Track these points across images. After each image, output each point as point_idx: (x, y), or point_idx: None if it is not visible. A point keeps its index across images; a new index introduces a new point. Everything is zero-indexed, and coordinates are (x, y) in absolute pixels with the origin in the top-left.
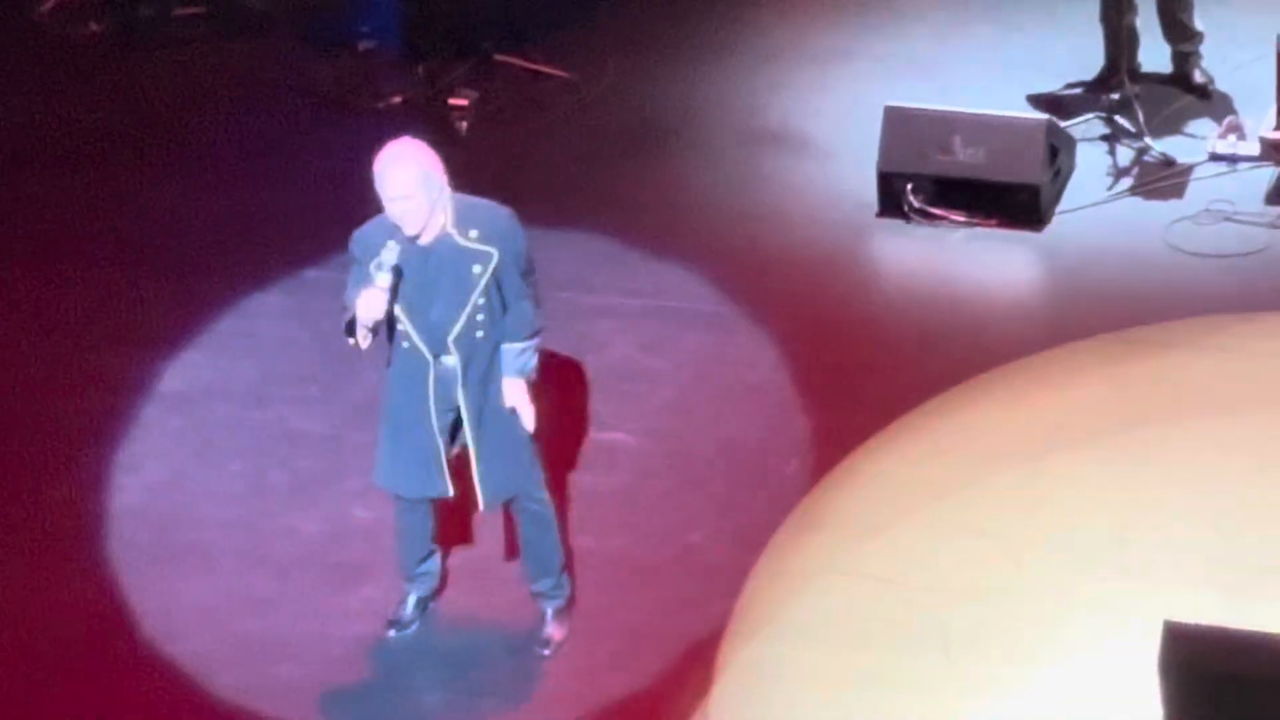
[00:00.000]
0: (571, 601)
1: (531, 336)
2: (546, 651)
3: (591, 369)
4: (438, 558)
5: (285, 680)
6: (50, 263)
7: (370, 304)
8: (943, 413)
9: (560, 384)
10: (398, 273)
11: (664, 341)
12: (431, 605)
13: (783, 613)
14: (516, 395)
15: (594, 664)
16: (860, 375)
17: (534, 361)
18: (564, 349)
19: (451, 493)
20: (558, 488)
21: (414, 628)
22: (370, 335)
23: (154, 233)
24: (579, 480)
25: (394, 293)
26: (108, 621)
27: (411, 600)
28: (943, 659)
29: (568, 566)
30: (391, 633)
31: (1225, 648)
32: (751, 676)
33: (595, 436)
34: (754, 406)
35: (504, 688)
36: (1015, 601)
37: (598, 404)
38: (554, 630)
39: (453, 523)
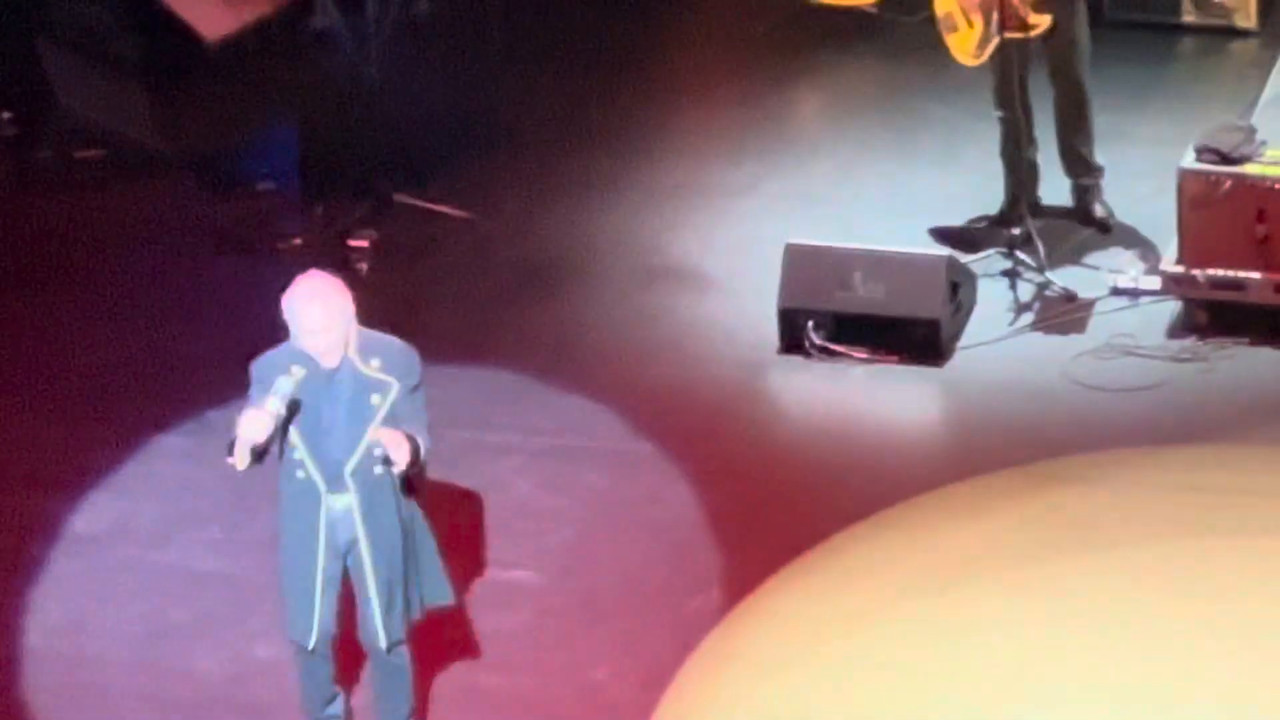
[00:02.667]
0: None
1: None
2: None
3: (493, 507)
4: (341, 700)
5: None
6: None
7: (253, 424)
8: (847, 548)
9: (461, 522)
10: (293, 406)
11: (565, 479)
12: None
13: None
14: (389, 437)
15: None
16: (764, 511)
17: (410, 447)
18: (465, 487)
19: (327, 641)
20: (459, 625)
21: None
22: (251, 457)
23: (52, 374)
24: (481, 618)
25: (285, 423)
26: None
27: None
28: None
29: (471, 709)
30: None
31: None
32: None
33: (497, 575)
34: (657, 543)
35: None
36: None
37: (499, 542)
38: None
39: (355, 662)
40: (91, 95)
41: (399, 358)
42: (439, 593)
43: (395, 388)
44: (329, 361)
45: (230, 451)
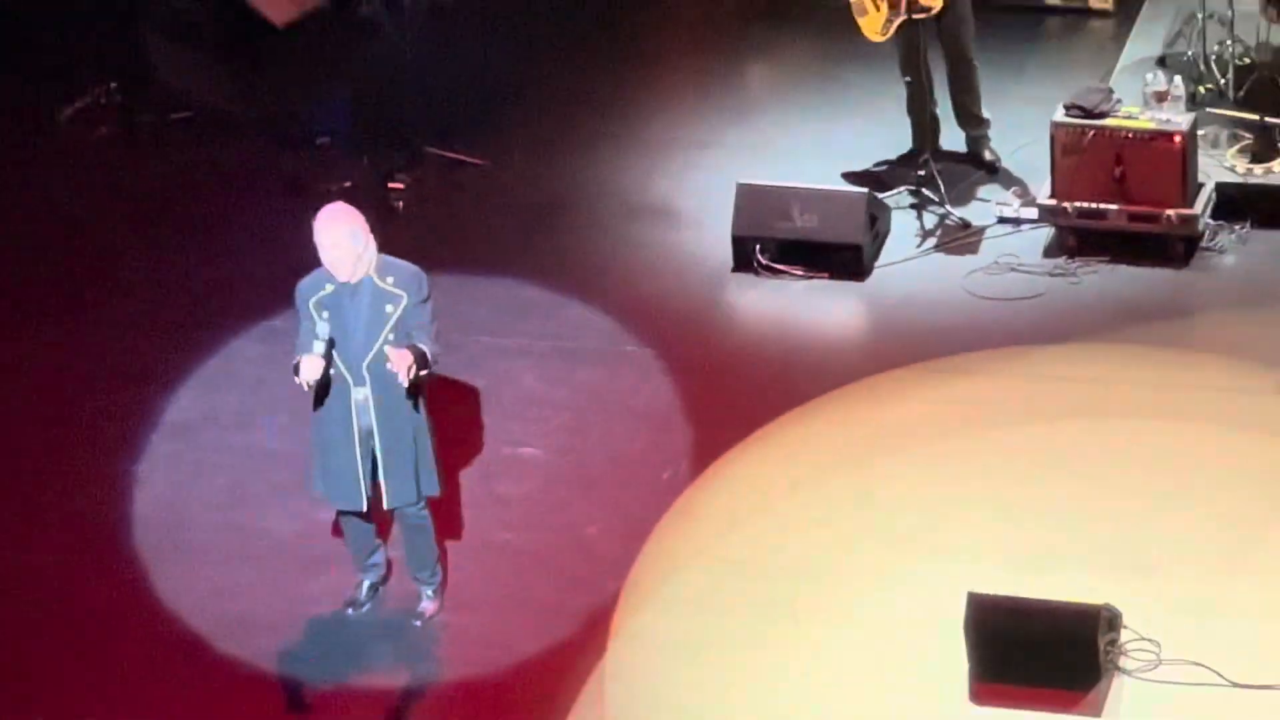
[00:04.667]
0: (444, 586)
1: (430, 348)
2: (418, 623)
3: (505, 398)
4: (383, 552)
5: (264, 650)
6: (71, 316)
7: (311, 367)
8: (789, 428)
9: (480, 410)
10: (330, 342)
11: (564, 374)
12: (382, 590)
13: (663, 590)
14: (396, 355)
15: (509, 634)
16: (723, 398)
17: (413, 359)
18: (482, 381)
19: (365, 508)
20: (479, 493)
21: (367, 608)
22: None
23: (153, 293)
24: (496, 487)
25: (328, 359)
26: (125, 603)
27: (365, 586)
28: (792, 625)
29: (479, 562)
30: (349, 611)
31: (1015, 612)
32: (639, 642)
33: (508, 452)
34: (638, 425)
35: (441, 653)
36: (849, 578)
37: (511, 425)
38: (428, 607)
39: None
40: (183, 69)
41: (410, 277)
42: (430, 486)
43: (404, 300)
44: (344, 275)
45: (296, 373)
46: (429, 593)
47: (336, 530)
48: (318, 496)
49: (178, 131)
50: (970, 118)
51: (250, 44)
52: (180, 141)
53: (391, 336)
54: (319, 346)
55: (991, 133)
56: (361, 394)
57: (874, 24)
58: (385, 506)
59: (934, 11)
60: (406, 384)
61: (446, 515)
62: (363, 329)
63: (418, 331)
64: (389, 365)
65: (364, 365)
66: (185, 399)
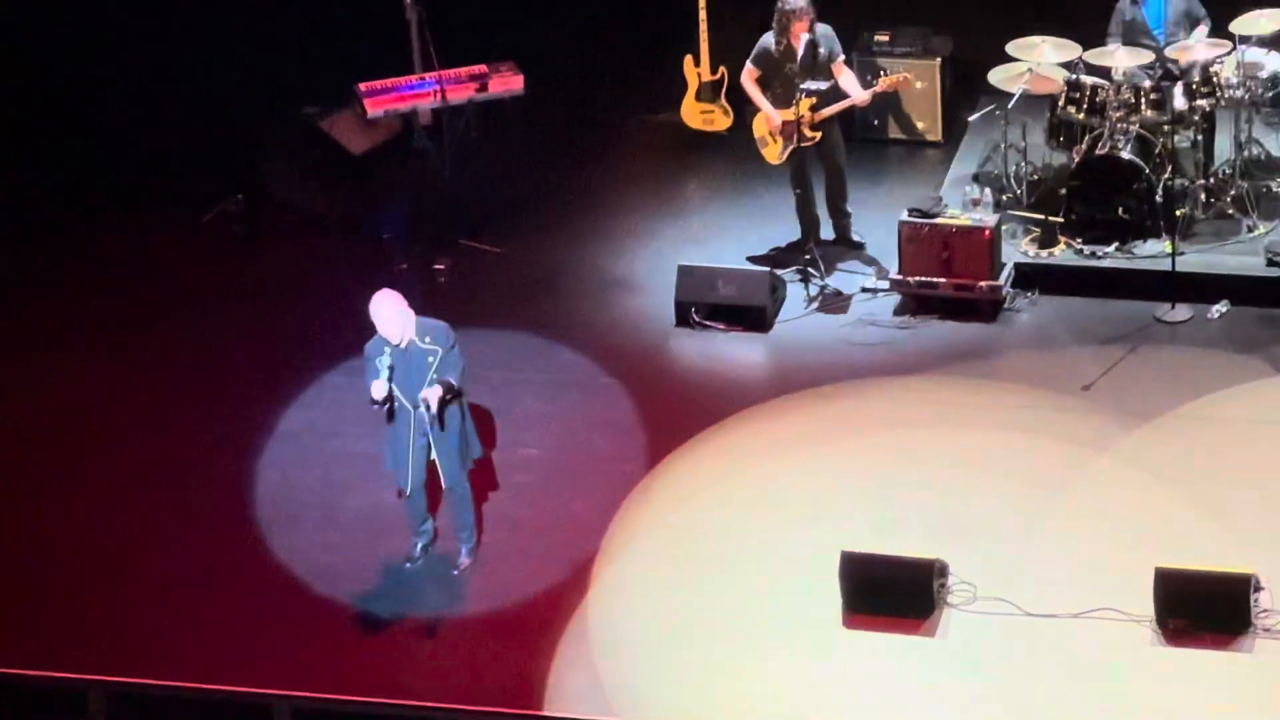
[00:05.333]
0: (478, 545)
1: (457, 380)
2: (455, 572)
3: (515, 414)
4: (431, 523)
5: (347, 591)
6: (209, 357)
7: (378, 389)
8: (716, 436)
9: (497, 423)
10: (391, 370)
11: (556, 398)
12: (431, 549)
13: (629, 549)
14: (430, 393)
15: (520, 580)
16: (669, 415)
17: (442, 392)
18: (497, 404)
19: (409, 488)
20: (499, 481)
21: (420, 562)
22: (379, 405)
23: (267, 340)
24: (510, 477)
25: (390, 382)
26: (247, 560)
27: (419, 546)
28: (719, 573)
29: (498, 529)
30: (407, 565)
31: (873, 564)
32: (611, 585)
33: (517, 452)
34: (608, 434)
35: (466, 591)
36: (759, 539)
37: (519, 433)
38: (465, 560)
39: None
40: (289, 185)
41: (441, 333)
42: (476, 450)
43: (440, 351)
44: (396, 339)
45: (369, 394)
46: (465, 550)
47: (400, 510)
48: (389, 471)
49: (286, 230)
50: (840, 213)
51: (337, 166)
52: (287, 236)
53: (434, 376)
54: (383, 375)
55: (855, 227)
56: (421, 414)
57: (773, 152)
58: (445, 484)
59: (815, 141)
60: (436, 407)
61: (477, 496)
62: (415, 376)
63: (451, 370)
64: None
65: (419, 398)
66: (290, 415)
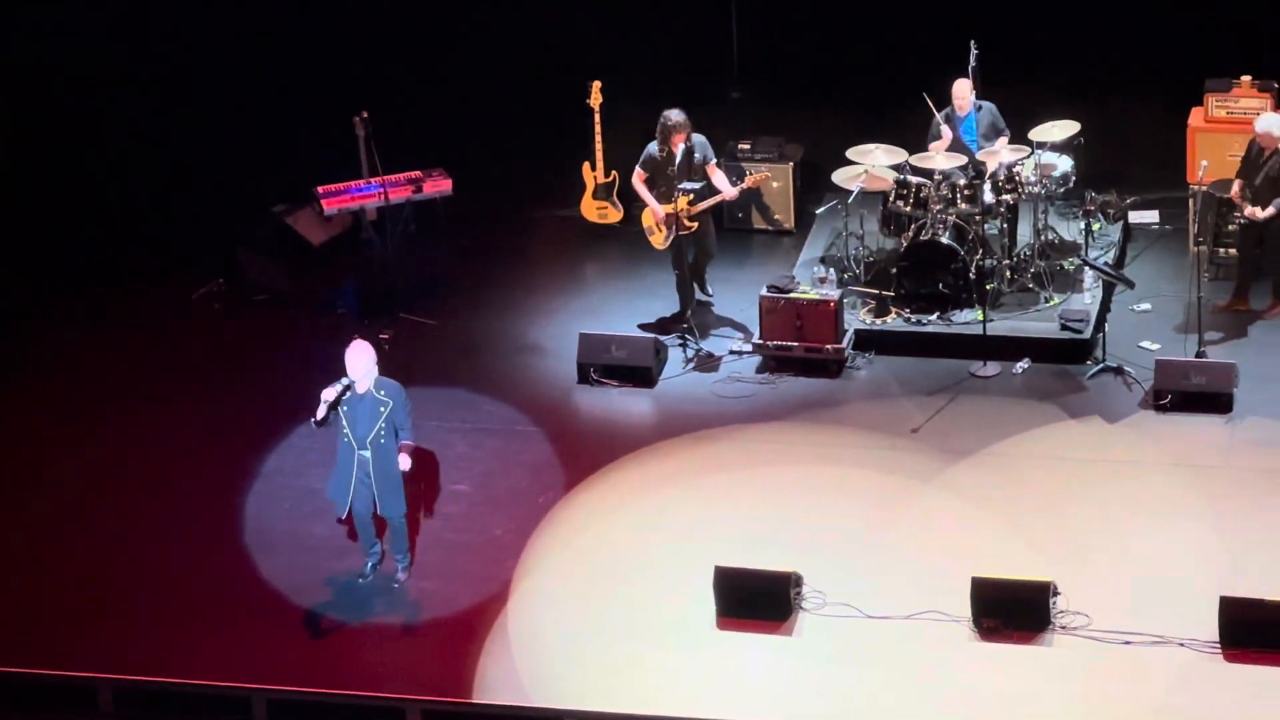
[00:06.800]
0: (412, 564)
1: (411, 439)
2: (396, 585)
3: (448, 456)
4: (380, 546)
5: (312, 601)
6: (200, 407)
7: (330, 390)
8: (610, 473)
9: (434, 463)
10: (343, 391)
11: (481, 442)
12: (380, 567)
13: (542, 566)
14: (405, 458)
15: (448, 590)
16: (572, 456)
17: (407, 453)
18: (434, 447)
19: (346, 509)
20: (431, 511)
21: (371, 578)
22: (324, 417)
23: (248, 394)
24: (442, 508)
25: (335, 404)
26: (229, 572)
27: (369, 565)
28: (614, 582)
29: (434, 551)
30: (360, 580)
31: (741, 575)
32: (527, 596)
33: (449, 487)
34: (526, 470)
35: (404, 602)
36: (644, 555)
37: (451, 471)
38: (401, 575)
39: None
40: (262, 270)
41: (394, 390)
42: (403, 506)
43: (391, 404)
44: (362, 389)
45: (314, 418)
46: (401, 568)
47: (352, 533)
48: (330, 500)
49: (260, 307)
50: (701, 275)
51: (300, 255)
52: (262, 313)
53: (383, 426)
54: (337, 388)
55: (724, 298)
56: (364, 455)
57: (658, 240)
58: (379, 513)
59: (692, 230)
60: (408, 465)
61: (413, 524)
62: (367, 420)
63: (402, 423)
64: (382, 439)
65: (366, 440)
66: (266, 457)
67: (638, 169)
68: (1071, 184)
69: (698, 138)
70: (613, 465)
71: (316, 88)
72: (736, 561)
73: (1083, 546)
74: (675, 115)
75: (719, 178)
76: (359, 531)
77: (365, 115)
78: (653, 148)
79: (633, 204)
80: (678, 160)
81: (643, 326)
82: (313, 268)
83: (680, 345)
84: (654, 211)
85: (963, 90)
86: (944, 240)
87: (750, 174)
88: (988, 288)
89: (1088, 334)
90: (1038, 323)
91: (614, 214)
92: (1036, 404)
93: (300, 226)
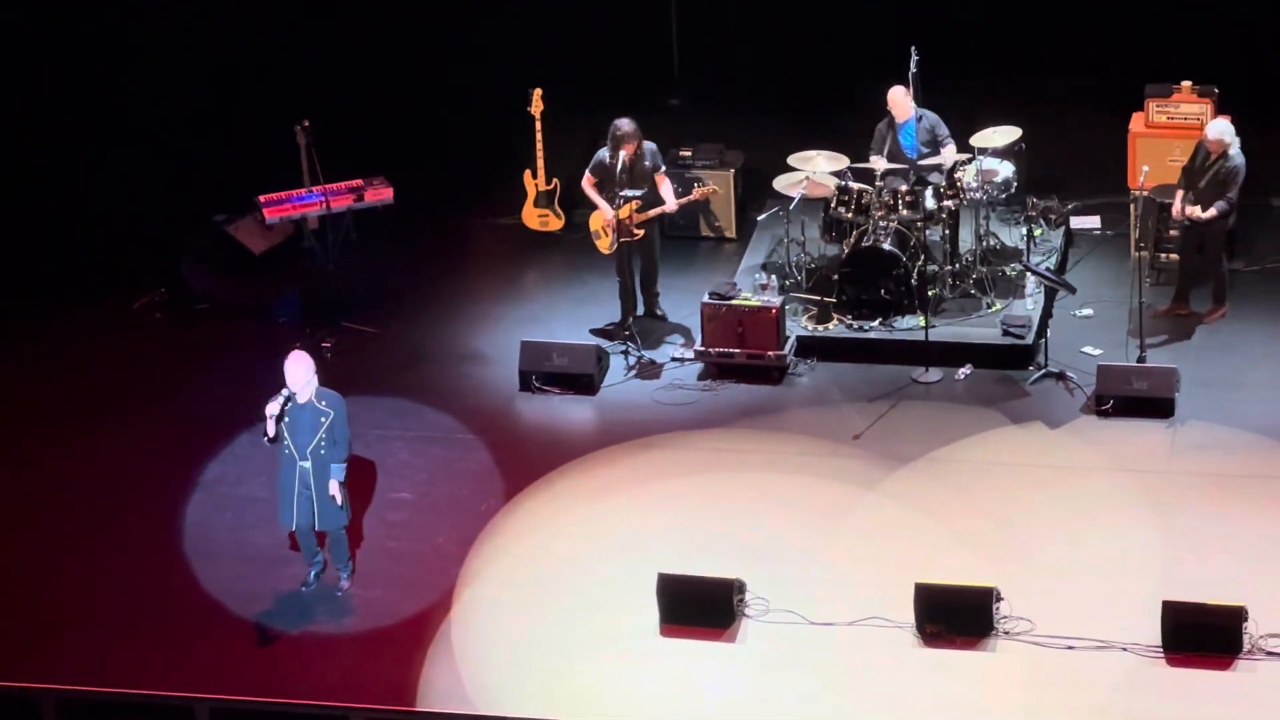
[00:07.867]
0: (354, 573)
1: (344, 459)
2: (339, 594)
3: (390, 464)
4: (322, 555)
5: (255, 610)
6: (139, 421)
7: (273, 404)
8: (553, 480)
9: (375, 472)
10: (286, 402)
11: (423, 450)
12: (322, 577)
13: (484, 573)
14: (335, 487)
15: (391, 598)
16: (514, 463)
17: (343, 473)
18: (375, 455)
19: (292, 528)
20: (374, 519)
21: (314, 587)
22: (273, 434)
23: (191, 405)
24: (384, 515)
25: (279, 419)
26: (173, 583)
27: (312, 574)
28: (558, 591)
29: (376, 559)
30: (303, 589)
31: (684, 583)
32: (470, 603)
33: (391, 496)
34: (468, 478)
35: (346, 610)
36: (589, 563)
37: (393, 480)
38: (345, 584)
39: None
40: (203, 279)
41: (335, 400)
42: (346, 518)
43: (332, 415)
44: (303, 399)
45: (265, 434)
46: (344, 577)
47: (294, 544)
48: (282, 523)
49: (201, 316)
50: (651, 292)
51: (240, 263)
52: (202, 322)
53: (323, 437)
54: (280, 400)
55: (666, 304)
56: (304, 466)
57: (605, 244)
58: (318, 529)
59: (637, 238)
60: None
61: (355, 532)
62: (308, 431)
63: (341, 440)
64: (321, 451)
65: (307, 451)
66: (209, 468)
67: (587, 173)
68: (1013, 190)
69: (648, 145)
70: (555, 473)
71: (257, 96)
72: (679, 568)
73: (1025, 552)
74: (626, 125)
75: (665, 188)
76: (300, 542)
77: (306, 124)
78: (603, 154)
79: (574, 211)
80: (624, 167)
81: (594, 332)
82: (254, 276)
83: (622, 353)
84: (604, 214)
85: (898, 97)
86: (886, 246)
87: (698, 186)
88: (930, 294)
89: (1030, 339)
90: (980, 328)
91: (555, 222)
92: (979, 410)
93: (242, 235)
